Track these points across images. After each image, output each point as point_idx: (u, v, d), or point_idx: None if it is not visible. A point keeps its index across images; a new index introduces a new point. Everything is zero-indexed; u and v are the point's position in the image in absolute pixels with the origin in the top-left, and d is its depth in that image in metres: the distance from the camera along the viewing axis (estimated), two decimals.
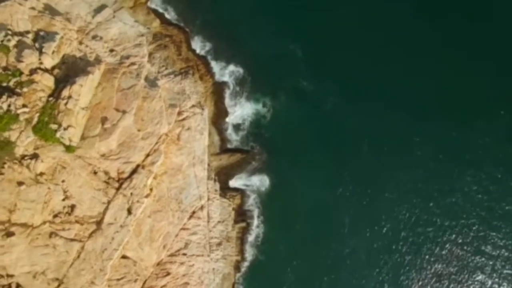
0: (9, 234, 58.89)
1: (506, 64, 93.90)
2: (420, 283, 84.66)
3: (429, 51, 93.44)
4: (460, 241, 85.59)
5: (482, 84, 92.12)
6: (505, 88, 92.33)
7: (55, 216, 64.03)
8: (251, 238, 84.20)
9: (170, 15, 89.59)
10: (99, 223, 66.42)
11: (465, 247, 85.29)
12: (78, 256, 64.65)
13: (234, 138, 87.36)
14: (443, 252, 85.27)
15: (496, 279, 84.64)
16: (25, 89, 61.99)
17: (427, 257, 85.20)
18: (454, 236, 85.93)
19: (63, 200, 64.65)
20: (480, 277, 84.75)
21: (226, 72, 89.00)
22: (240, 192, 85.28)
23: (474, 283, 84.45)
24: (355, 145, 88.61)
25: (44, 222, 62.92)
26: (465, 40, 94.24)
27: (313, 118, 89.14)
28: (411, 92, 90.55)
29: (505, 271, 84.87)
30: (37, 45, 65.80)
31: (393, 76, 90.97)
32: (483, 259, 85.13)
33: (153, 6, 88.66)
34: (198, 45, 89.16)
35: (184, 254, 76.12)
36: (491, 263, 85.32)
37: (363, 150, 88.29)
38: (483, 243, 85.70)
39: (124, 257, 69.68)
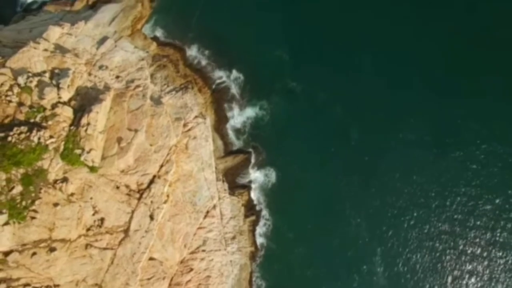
0: (52, 250, 64.37)
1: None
2: (421, 261, 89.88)
3: (413, 42, 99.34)
4: (457, 218, 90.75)
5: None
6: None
7: (88, 229, 69.65)
8: (262, 229, 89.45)
9: (164, 36, 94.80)
10: (126, 231, 72.26)
11: (463, 224, 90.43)
12: (112, 262, 70.35)
13: (236, 141, 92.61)
14: (443, 231, 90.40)
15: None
16: (50, 122, 67.32)
17: (426, 237, 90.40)
18: (453, 214, 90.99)
19: (93, 214, 70.20)
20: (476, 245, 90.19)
21: (222, 82, 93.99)
22: (247, 188, 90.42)
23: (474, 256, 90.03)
24: (348, 134, 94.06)
25: (80, 236, 68.41)
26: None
27: (306, 114, 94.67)
28: (392, 79, 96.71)
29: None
30: (54, 82, 71.00)
31: (375, 66, 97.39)
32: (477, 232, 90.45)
33: (148, 31, 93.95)
34: (193, 60, 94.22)
35: (204, 251, 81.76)
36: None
37: (355, 138, 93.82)
38: (477, 217, 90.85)
39: (151, 258, 75.27)
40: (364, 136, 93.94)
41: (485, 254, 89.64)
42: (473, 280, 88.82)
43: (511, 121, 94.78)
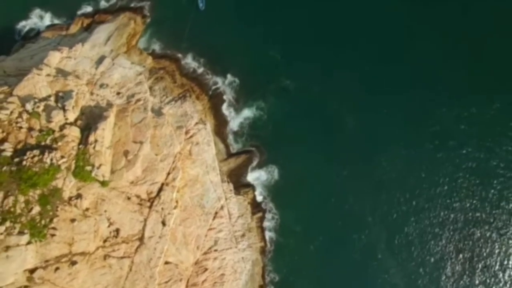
0: (73, 263, 67.10)
1: None
2: (420, 240, 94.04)
3: (400, 35, 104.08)
4: (456, 199, 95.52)
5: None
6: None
7: (105, 241, 72.37)
8: (269, 224, 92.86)
9: (159, 49, 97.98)
10: (141, 239, 75.11)
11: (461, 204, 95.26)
12: (130, 270, 73.12)
13: (236, 143, 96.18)
14: (447, 216, 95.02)
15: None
16: (59, 143, 69.92)
17: (423, 218, 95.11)
18: (452, 194, 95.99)
19: (108, 226, 72.95)
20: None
21: (218, 87, 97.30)
22: (252, 187, 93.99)
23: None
24: (344, 126, 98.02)
25: (98, 248, 71.08)
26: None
27: (302, 110, 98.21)
28: (381, 72, 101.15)
29: None
30: (59, 104, 73.75)
31: (364, 60, 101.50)
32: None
33: (143, 46, 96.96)
34: (189, 69, 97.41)
35: (216, 250, 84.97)
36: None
37: (351, 129, 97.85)
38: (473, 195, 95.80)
39: (166, 262, 78.23)
40: (359, 126, 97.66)
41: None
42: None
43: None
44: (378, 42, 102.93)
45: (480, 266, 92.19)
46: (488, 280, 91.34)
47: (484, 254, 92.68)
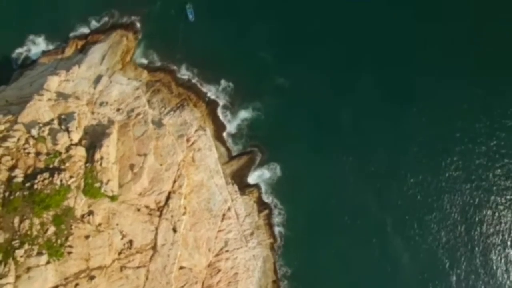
0: (92, 278, 69.09)
1: None
2: (423, 222, 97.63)
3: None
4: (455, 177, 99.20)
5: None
6: None
7: (120, 253, 74.63)
8: (276, 220, 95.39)
9: (153, 62, 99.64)
10: (154, 247, 77.41)
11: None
12: (147, 278, 75.50)
13: (237, 145, 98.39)
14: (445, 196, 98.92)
15: None
16: (67, 164, 71.99)
17: (424, 202, 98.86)
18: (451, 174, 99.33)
19: (122, 239, 75.16)
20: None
21: (214, 93, 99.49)
22: (256, 186, 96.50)
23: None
24: (340, 118, 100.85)
25: (113, 260, 73.26)
26: None
27: (298, 106, 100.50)
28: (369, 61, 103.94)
29: None
30: (63, 127, 75.64)
31: (352, 54, 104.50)
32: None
33: (137, 61, 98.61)
34: (184, 78, 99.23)
35: (227, 251, 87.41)
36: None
37: (347, 120, 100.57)
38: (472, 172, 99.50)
39: (181, 267, 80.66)
40: (354, 118, 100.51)
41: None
42: None
43: None
44: (363, 35, 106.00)
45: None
46: None
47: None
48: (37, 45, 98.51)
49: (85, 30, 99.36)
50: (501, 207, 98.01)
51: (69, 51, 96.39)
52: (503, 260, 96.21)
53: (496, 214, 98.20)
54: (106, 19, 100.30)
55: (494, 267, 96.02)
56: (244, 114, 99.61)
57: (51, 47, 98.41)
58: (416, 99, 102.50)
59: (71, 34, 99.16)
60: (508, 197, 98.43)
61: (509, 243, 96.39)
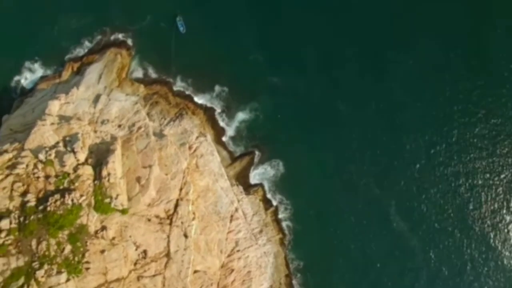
0: None
1: None
2: (429, 206, 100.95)
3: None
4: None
5: None
6: None
7: (135, 263, 77.02)
8: (283, 216, 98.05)
9: (149, 75, 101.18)
10: (168, 254, 79.82)
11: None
12: (164, 285, 78.02)
13: (238, 147, 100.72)
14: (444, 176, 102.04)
15: None
16: (76, 184, 74.26)
17: (426, 185, 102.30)
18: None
19: (136, 249, 77.56)
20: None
21: (210, 99, 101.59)
22: (260, 184, 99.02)
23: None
24: (336, 108, 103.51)
25: (130, 271, 75.66)
26: None
27: (292, 103, 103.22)
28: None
29: None
30: (68, 148, 77.80)
31: (339, 49, 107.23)
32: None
33: (133, 76, 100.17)
34: (180, 88, 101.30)
35: (238, 251, 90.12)
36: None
37: (343, 110, 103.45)
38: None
39: (195, 271, 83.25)
40: (349, 109, 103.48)
41: None
42: None
43: None
44: (350, 29, 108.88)
45: None
46: None
47: None
48: (34, 72, 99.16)
49: (79, 51, 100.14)
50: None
51: (66, 74, 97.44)
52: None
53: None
54: (98, 38, 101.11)
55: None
56: (241, 116, 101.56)
57: (48, 71, 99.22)
58: (410, 87, 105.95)
59: (66, 57, 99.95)
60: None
61: None
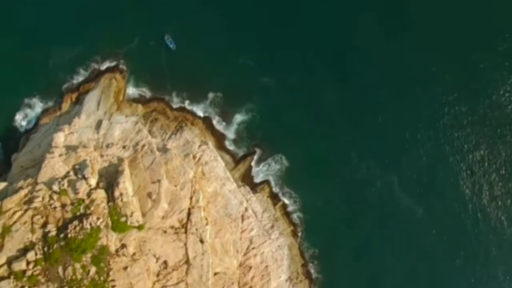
0: None
1: None
2: (432, 182, 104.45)
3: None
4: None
5: None
6: None
7: (158, 275, 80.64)
8: (292, 208, 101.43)
9: (145, 95, 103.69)
10: (187, 261, 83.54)
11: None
12: None
13: (240, 148, 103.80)
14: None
15: None
16: (92, 208, 77.52)
17: (426, 163, 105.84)
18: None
19: (156, 261, 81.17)
20: None
21: (206, 108, 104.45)
22: (265, 181, 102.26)
23: None
24: (329, 98, 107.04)
25: (154, 283, 79.04)
26: None
27: (285, 99, 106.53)
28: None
29: None
30: (79, 176, 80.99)
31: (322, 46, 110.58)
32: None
33: (130, 97, 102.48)
34: (176, 102, 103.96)
35: (253, 248, 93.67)
36: None
37: (336, 99, 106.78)
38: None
39: (215, 273, 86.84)
40: (341, 97, 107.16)
41: None
42: None
43: None
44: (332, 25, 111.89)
45: None
46: None
47: None
48: (34, 107, 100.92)
49: (75, 81, 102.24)
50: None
51: (65, 106, 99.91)
52: None
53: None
54: (92, 66, 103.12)
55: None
56: (239, 118, 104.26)
57: (47, 104, 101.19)
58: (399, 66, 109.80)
59: (63, 87, 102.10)
60: None
61: None
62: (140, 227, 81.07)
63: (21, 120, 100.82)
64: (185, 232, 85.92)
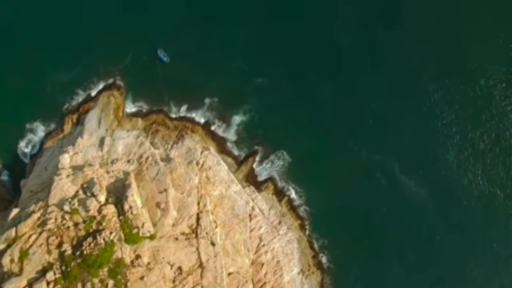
0: None
1: None
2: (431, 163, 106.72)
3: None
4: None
5: None
6: None
7: (174, 281, 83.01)
8: (298, 202, 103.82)
9: (144, 108, 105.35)
10: (201, 265, 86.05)
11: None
12: None
13: (242, 149, 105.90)
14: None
15: None
16: (104, 224, 79.96)
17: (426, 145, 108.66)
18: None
19: (171, 268, 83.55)
20: None
21: (203, 115, 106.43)
22: (269, 179, 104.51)
23: None
24: (324, 94, 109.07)
25: None
26: None
27: (281, 97, 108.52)
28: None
29: None
30: (88, 194, 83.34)
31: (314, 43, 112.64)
32: None
33: (130, 112, 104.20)
34: (174, 111, 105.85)
35: (264, 245, 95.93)
36: None
37: (329, 94, 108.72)
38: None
39: (229, 274, 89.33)
40: (336, 90, 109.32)
41: None
42: None
43: None
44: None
45: None
46: None
47: None
48: (36, 132, 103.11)
49: (74, 103, 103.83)
50: None
51: (67, 127, 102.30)
52: None
53: None
54: (89, 86, 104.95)
55: None
56: (237, 119, 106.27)
57: (51, 127, 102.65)
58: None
59: (63, 110, 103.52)
60: None
61: None
62: (152, 237, 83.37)
63: (25, 146, 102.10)
64: (196, 236, 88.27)
